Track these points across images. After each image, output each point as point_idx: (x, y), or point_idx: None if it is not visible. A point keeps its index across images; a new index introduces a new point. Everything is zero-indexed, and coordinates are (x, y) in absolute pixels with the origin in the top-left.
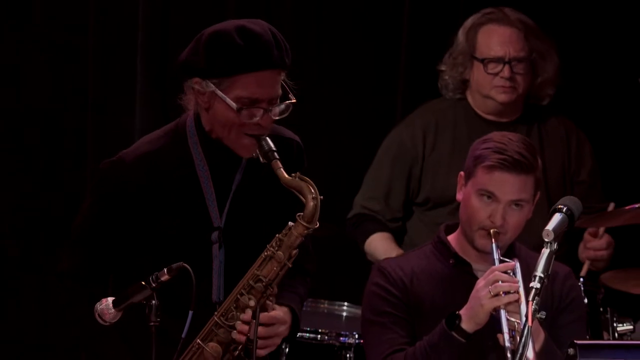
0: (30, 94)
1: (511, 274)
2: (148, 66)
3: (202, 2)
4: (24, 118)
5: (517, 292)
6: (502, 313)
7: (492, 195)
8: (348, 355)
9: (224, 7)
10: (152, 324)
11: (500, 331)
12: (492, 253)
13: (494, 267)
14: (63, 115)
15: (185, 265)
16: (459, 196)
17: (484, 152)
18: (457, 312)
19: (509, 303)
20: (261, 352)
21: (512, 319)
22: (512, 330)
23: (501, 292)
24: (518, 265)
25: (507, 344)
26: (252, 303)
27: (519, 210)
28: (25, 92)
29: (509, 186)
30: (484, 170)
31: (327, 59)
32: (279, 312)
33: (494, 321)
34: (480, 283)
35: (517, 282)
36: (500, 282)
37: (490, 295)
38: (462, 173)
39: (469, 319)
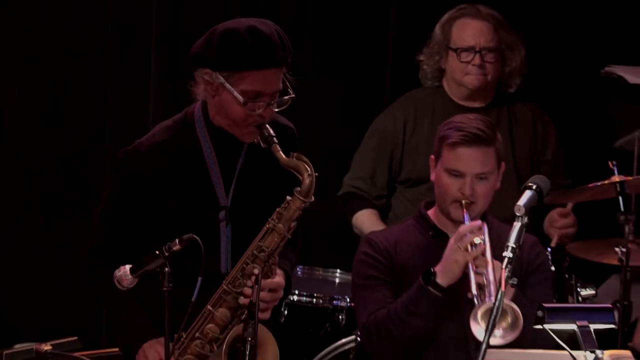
0: (60, 84)
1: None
2: (161, 60)
3: (209, 1)
4: (51, 105)
5: (483, 242)
6: (470, 269)
7: (459, 172)
8: (340, 316)
9: (228, 5)
10: (165, 289)
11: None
12: (464, 222)
13: (461, 226)
14: (85, 104)
15: (195, 236)
16: (432, 177)
17: (447, 132)
18: (432, 269)
19: (477, 258)
20: (264, 316)
21: (479, 272)
22: (479, 283)
23: (469, 245)
24: (486, 228)
25: (474, 292)
26: (256, 271)
27: (485, 181)
28: (55, 82)
29: (472, 160)
30: (448, 147)
31: (321, 52)
32: (280, 278)
33: (468, 279)
34: (451, 241)
35: (483, 233)
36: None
37: (461, 249)
38: (432, 156)
39: (443, 274)
